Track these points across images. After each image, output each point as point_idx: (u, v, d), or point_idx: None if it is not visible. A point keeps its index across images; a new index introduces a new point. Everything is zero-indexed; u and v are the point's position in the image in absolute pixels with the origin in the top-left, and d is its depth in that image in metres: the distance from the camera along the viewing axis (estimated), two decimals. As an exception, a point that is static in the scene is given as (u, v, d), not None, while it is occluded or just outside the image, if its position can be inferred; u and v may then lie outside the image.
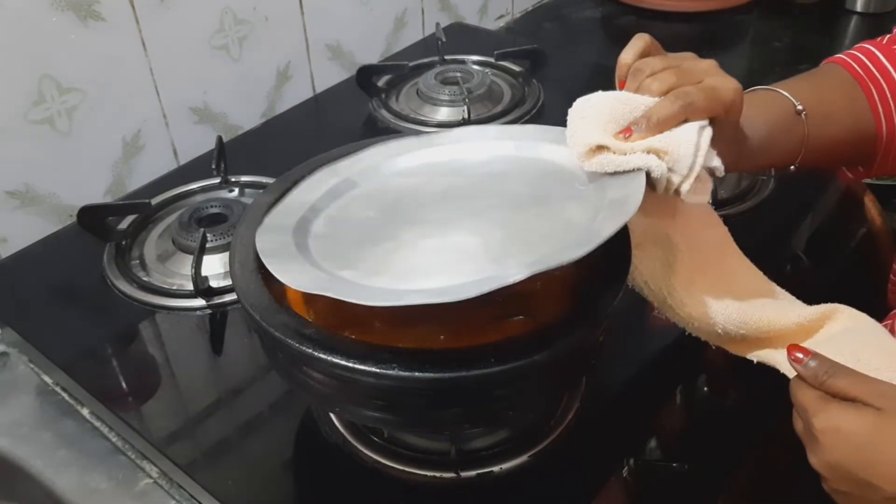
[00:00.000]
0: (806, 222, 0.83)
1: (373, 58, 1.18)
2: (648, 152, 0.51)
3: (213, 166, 0.89)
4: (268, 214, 0.57)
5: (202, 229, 0.76)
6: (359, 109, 1.04)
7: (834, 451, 0.46)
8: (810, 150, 0.64)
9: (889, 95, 0.66)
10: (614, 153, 0.52)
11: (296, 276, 0.49)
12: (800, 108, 0.63)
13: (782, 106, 0.63)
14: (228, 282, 0.74)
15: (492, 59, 1.11)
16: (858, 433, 0.45)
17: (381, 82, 1.08)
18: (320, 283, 0.48)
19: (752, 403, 0.70)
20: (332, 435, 0.61)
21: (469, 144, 0.63)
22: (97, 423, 0.68)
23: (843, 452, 0.46)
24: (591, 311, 0.49)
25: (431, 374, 0.45)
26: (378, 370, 0.46)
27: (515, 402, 0.52)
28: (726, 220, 0.80)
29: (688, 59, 0.55)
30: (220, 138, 0.91)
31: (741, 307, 0.56)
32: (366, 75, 1.05)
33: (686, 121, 0.52)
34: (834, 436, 0.46)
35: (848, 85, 0.67)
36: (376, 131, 1.00)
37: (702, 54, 0.56)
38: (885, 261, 0.88)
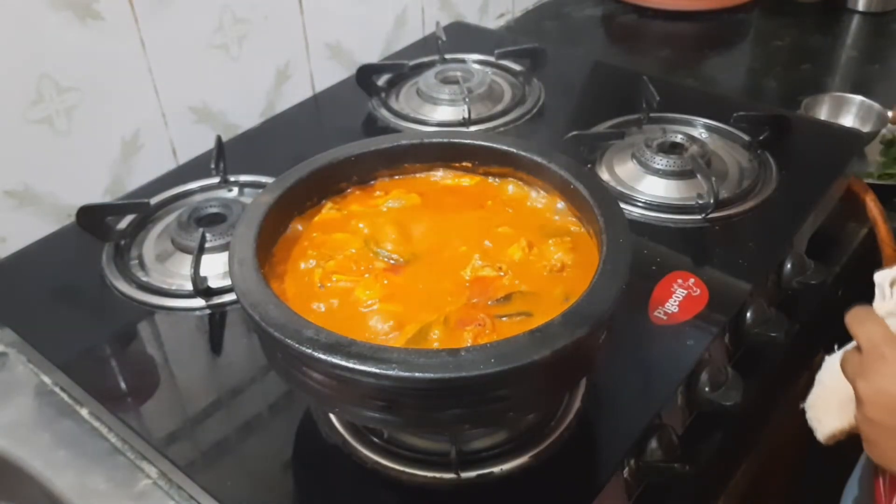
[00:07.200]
0: (807, 222, 0.82)
1: (372, 57, 1.17)
2: None
3: (213, 166, 0.89)
4: None
5: (201, 229, 0.76)
6: (358, 109, 1.04)
7: (891, 379, 0.49)
8: None
9: None
10: None
11: None
12: None
13: None
14: (228, 282, 0.74)
15: (492, 58, 1.10)
16: None
17: (380, 81, 1.07)
18: None
19: (752, 403, 0.69)
20: (332, 435, 0.61)
21: None
22: (96, 424, 0.68)
23: None
24: (591, 311, 0.49)
25: (431, 375, 0.45)
26: (378, 370, 0.45)
27: (515, 403, 0.51)
28: (727, 220, 0.81)
29: None
30: (219, 138, 0.91)
31: None
32: (366, 74, 1.04)
33: None
34: None
35: None
36: (376, 131, 1.00)
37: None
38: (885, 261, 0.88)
